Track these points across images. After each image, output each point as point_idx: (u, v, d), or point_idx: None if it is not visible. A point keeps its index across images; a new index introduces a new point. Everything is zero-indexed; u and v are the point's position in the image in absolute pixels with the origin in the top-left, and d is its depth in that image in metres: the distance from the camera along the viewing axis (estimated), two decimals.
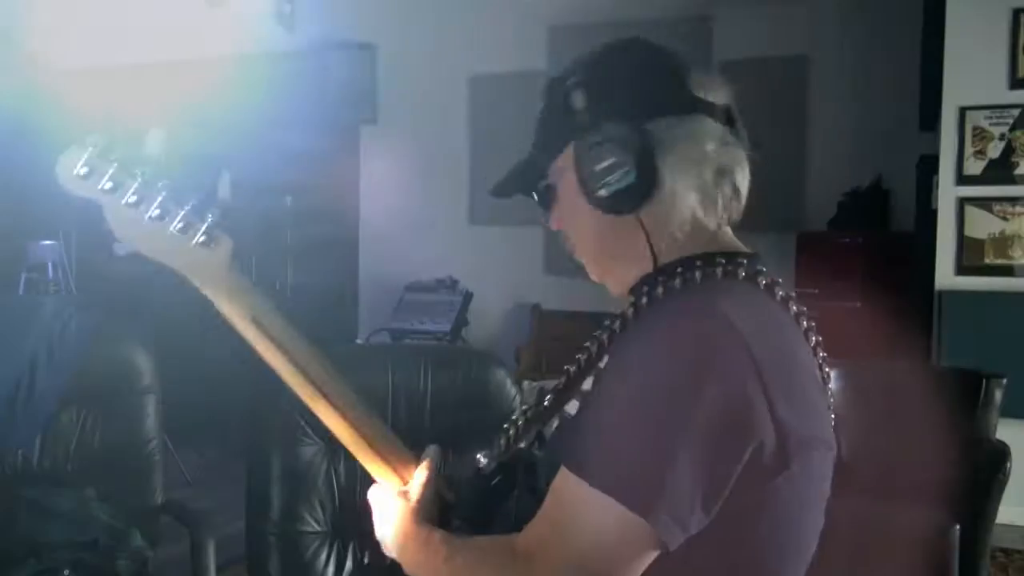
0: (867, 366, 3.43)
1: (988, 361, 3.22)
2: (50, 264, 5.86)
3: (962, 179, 3.69)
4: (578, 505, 0.79)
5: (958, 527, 2.65)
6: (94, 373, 1.98)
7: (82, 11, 6.06)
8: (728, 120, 0.96)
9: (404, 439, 1.64)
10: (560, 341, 4.79)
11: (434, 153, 5.72)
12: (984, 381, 3.01)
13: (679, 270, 0.91)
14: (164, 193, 0.94)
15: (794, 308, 0.93)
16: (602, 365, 0.91)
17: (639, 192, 0.90)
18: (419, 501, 0.97)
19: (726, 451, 0.79)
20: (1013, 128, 3.60)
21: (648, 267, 0.93)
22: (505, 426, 0.99)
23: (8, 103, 6.42)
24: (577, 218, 0.96)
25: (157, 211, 0.93)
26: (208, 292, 0.98)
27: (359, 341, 5.54)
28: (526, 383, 3.83)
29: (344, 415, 0.98)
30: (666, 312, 0.87)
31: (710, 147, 0.92)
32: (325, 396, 0.97)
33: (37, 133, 6.82)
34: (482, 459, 0.98)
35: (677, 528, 0.77)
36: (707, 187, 0.93)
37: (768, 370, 0.81)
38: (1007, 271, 3.63)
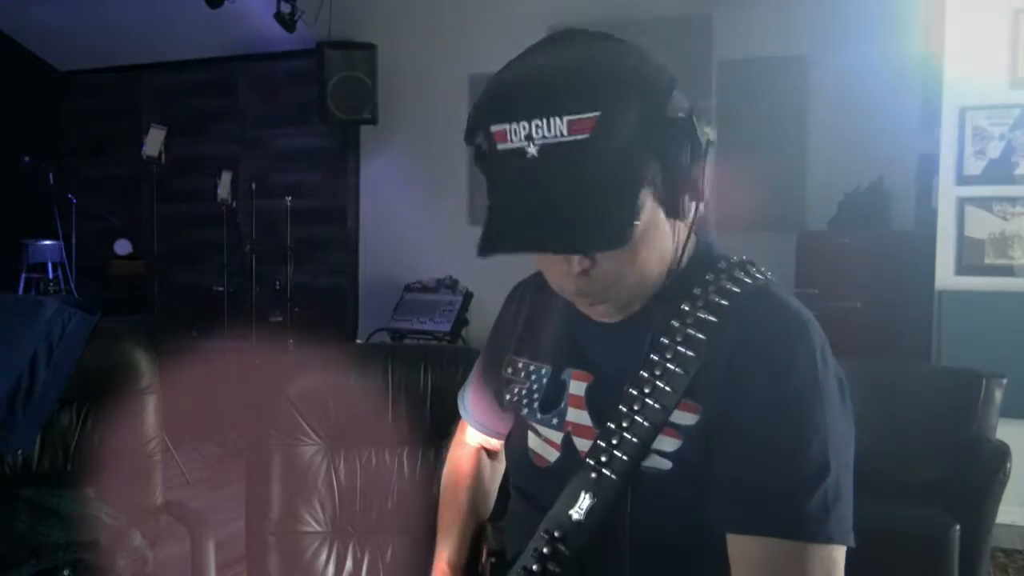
0: (867, 366, 3.43)
1: (988, 361, 3.22)
2: (50, 264, 5.86)
3: (962, 179, 3.68)
4: (818, 566, 0.77)
5: (958, 527, 2.64)
6: (94, 373, 1.97)
7: (83, 12, 6.05)
8: None
9: (404, 439, 1.65)
10: None
11: (434, 153, 5.72)
12: (984, 381, 3.00)
13: (723, 266, 0.90)
14: None
15: None
16: (706, 388, 0.85)
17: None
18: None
19: None
20: (1013, 128, 3.60)
21: (663, 268, 0.89)
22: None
23: (11, 104, 6.42)
24: (651, 240, 0.85)
25: None
26: None
27: (359, 341, 5.54)
28: None
29: None
30: (785, 326, 0.84)
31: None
32: None
33: (38, 134, 6.83)
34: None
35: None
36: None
37: None
38: (1007, 271, 3.62)
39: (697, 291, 0.88)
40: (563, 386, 0.97)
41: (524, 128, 0.79)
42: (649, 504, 0.85)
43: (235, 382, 4.86)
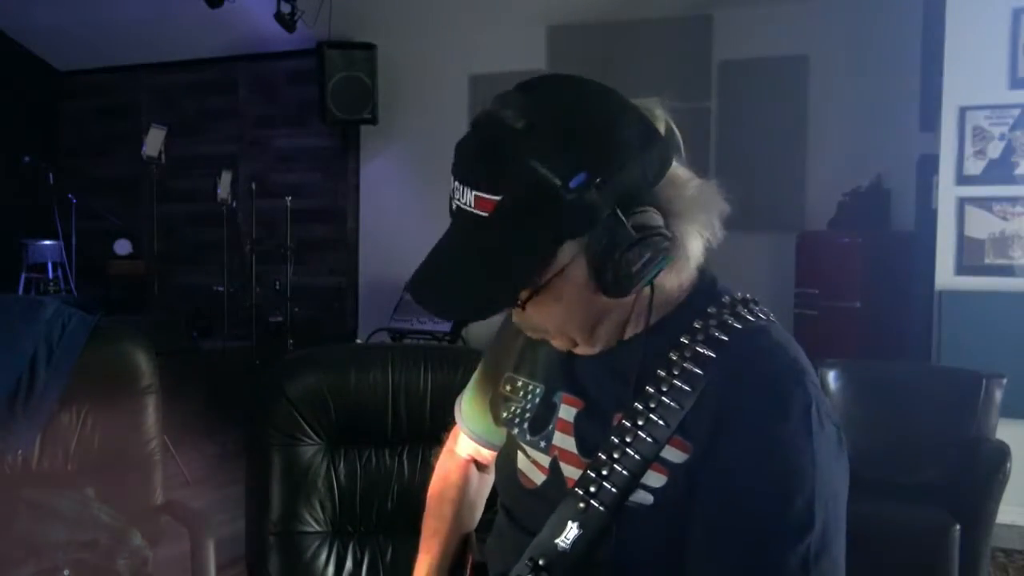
0: (867, 366, 3.44)
1: (988, 361, 3.22)
2: (50, 264, 5.86)
3: (962, 179, 3.68)
4: None
5: (958, 527, 2.64)
6: (94, 373, 1.97)
7: (83, 12, 6.05)
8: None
9: (404, 439, 1.65)
10: None
11: (434, 153, 5.70)
12: (984, 381, 3.01)
13: (727, 300, 0.88)
14: None
15: None
16: (690, 430, 0.83)
17: (667, 263, 0.84)
18: None
19: None
20: (1013, 128, 3.60)
21: (627, 312, 0.89)
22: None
23: (11, 104, 6.42)
24: (572, 306, 0.86)
25: None
26: None
27: (359, 341, 5.54)
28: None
29: None
30: (780, 376, 0.82)
31: (706, 196, 0.87)
32: None
33: (38, 134, 6.83)
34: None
35: None
36: (707, 235, 0.88)
37: None
38: (1007, 271, 3.62)
39: (698, 324, 0.86)
40: (553, 409, 0.96)
41: (455, 184, 0.84)
42: (630, 537, 0.84)
43: (235, 382, 4.86)
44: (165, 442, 2.14)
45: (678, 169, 0.87)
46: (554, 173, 0.78)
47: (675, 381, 0.84)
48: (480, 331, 5.22)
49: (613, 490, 0.84)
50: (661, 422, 0.83)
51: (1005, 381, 3.03)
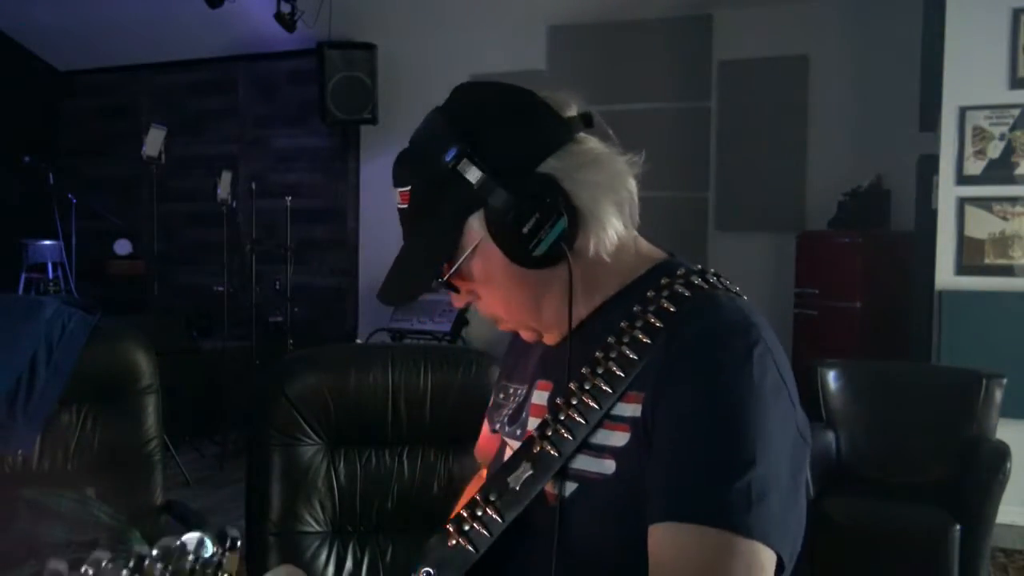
0: (867, 366, 3.44)
1: (988, 361, 3.22)
2: (50, 264, 5.86)
3: (962, 179, 3.69)
4: (739, 560, 0.74)
5: (958, 527, 2.65)
6: (94, 373, 1.97)
7: (83, 12, 6.05)
8: (589, 123, 0.94)
9: (405, 439, 1.65)
10: None
11: None
12: (984, 381, 3.01)
13: (681, 272, 0.90)
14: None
15: None
16: (639, 394, 0.85)
17: (571, 234, 0.88)
18: None
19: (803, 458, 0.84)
20: (1013, 128, 3.60)
21: (552, 302, 0.92)
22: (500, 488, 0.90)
23: (11, 104, 6.42)
24: (504, 284, 0.93)
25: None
26: None
27: (359, 341, 5.53)
28: None
29: None
30: (721, 326, 0.83)
31: (607, 161, 0.91)
32: None
33: (38, 134, 6.83)
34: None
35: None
36: (621, 200, 0.92)
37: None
38: (1007, 271, 3.63)
39: (650, 294, 0.89)
40: (529, 399, 0.99)
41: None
42: (590, 510, 0.85)
43: (235, 382, 4.86)
44: (165, 442, 2.15)
45: (587, 144, 0.91)
46: (433, 152, 0.91)
47: (623, 348, 0.87)
48: (481, 332, 5.22)
49: (568, 436, 0.87)
50: (620, 372, 0.86)
51: (1005, 381, 3.03)
